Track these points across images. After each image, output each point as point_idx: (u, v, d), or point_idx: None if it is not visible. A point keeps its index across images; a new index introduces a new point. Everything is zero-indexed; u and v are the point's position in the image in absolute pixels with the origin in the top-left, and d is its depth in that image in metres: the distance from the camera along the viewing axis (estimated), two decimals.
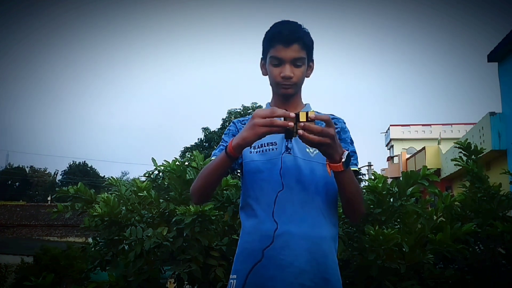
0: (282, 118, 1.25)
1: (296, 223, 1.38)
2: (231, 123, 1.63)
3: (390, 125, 31.20)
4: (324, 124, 1.27)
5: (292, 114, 1.24)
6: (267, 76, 1.56)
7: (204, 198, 1.50)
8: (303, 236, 1.37)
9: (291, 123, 1.24)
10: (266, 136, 1.28)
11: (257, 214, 1.42)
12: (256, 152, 1.47)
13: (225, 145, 1.55)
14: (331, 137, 1.24)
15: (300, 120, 1.24)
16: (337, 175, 1.34)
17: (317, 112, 1.60)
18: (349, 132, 1.57)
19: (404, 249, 2.22)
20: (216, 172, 1.40)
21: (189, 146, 23.78)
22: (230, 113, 23.20)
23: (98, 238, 2.77)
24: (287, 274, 1.34)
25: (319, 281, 1.35)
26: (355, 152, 1.54)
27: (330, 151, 1.27)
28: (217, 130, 23.41)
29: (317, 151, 1.33)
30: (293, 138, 1.28)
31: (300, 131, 1.23)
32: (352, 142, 1.56)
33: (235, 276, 1.41)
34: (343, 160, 1.29)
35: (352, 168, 1.44)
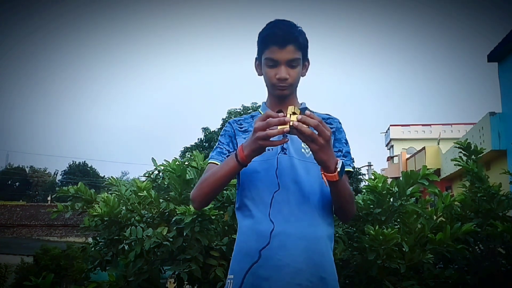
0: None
1: (293, 223, 1.38)
2: (227, 124, 1.63)
3: (390, 125, 31.18)
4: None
5: (287, 119, 1.24)
6: (262, 76, 1.56)
7: (207, 204, 1.51)
8: (299, 236, 1.37)
9: (287, 128, 1.24)
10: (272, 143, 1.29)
11: (253, 214, 1.42)
12: None
13: (222, 147, 1.55)
14: (325, 138, 1.24)
15: (288, 112, 1.25)
16: (332, 184, 1.34)
17: (313, 112, 1.60)
18: (344, 133, 1.58)
19: (404, 249, 2.22)
20: (226, 179, 1.40)
21: (189, 146, 23.74)
22: (230, 113, 23.15)
23: (98, 238, 2.76)
24: (284, 274, 1.34)
25: (316, 280, 1.35)
26: (349, 153, 1.55)
27: (324, 157, 1.27)
28: (217, 130, 23.37)
29: None
30: (288, 135, 1.29)
31: (295, 122, 1.23)
32: (346, 142, 1.56)
33: (232, 276, 1.41)
34: (338, 170, 1.29)
35: (346, 169, 1.45)
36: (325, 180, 1.32)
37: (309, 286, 1.34)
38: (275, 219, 1.39)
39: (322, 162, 1.29)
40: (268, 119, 1.26)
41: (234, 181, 2.58)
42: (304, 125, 1.23)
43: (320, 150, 1.26)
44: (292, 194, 1.41)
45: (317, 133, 1.25)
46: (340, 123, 1.59)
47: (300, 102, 1.61)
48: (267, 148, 1.46)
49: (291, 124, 1.23)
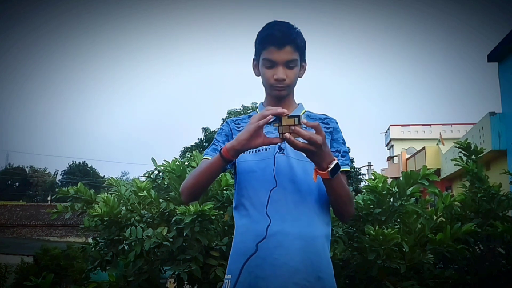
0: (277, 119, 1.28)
1: (290, 222, 1.39)
2: (225, 123, 1.64)
3: (390, 125, 31.17)
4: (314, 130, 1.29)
5: (285, 110, 1.26)
6: (260, 77, 1.57)
7: (194, 197, 1.51)
8: (297, 235, 1.38)
9: (280, 110, 1.26)
10: (263, 142, 1.31)
11: (250, 214, 1.43)
12: (249, 152, 1.46)
13: (217, 144, 1.56)
14: (317, 146, 1.26)
15: (283, 124, 1.26)
16: (325, 182, 1.37)
17: (310, 112, 1.61)
18: (341, 132, 1.59)
19: (404, 249, 2.22)
20: (210, 173, 1.41)
21: (189, 146, 23.73)
22: (230, 113, 23.15)
23: (98, 238, 2.76)
24: (281, 273, 1.34)
25: (313, 280, 1.36)
26: (347, 153, 1.55)
27: (316, 159, 1.31)
28: (217, 130, 23.38)
29: None
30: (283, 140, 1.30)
31: (287, 135, 1.25)
32: (344, 142, 1.58)
33: (229, 276, 1.41)
34: (329, 169, 1.31)
35: (343, 169, 1.46)
36: (315, 175, 1.34)
37: (306, 286, 1.34)
38: (272, 217, 1.39)
39: (315, 162, 1.33)
40: (265, 110, 1.29)
41: (233, 181, 2.59)
42: (295, 140, 1.26)
43: (313, 156, 1.30)
44: (289, 194, 1.42)
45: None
46: (337, 123, 1.60)
47: (297, 102, 1.62)
48: (264, 148, 1.47)
49: (283, 138, 1.26)
